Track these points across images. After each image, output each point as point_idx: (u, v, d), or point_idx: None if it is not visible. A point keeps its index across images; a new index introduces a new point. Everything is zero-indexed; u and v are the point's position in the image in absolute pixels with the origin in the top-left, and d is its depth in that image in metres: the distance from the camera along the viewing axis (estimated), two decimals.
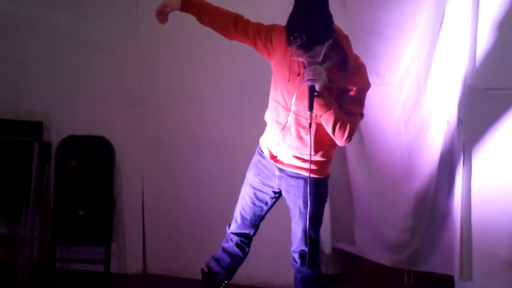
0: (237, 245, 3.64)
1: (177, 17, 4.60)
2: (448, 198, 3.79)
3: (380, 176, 4.14)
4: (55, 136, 4.90)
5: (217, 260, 3.71)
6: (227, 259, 3.69)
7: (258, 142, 3.59)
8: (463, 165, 3.66)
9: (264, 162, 3.49)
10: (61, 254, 4.93)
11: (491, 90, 3.57)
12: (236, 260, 3.69)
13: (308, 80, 3.02)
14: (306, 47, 2.93)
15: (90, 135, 4.87)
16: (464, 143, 3.65)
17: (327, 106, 3.10)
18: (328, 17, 3.00)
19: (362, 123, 3.99)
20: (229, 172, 4.56)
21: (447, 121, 3.71)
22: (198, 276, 4.63)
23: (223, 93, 4.54)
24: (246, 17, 3.39)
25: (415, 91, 3.83)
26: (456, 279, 3.79)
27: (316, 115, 3.14)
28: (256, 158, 3.56)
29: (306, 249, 3.42)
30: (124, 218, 4.91)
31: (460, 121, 3.64)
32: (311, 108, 3.08)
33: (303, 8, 2.96)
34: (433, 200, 3.87)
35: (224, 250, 3.70)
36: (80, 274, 4.88)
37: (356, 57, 3.20)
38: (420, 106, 3.84)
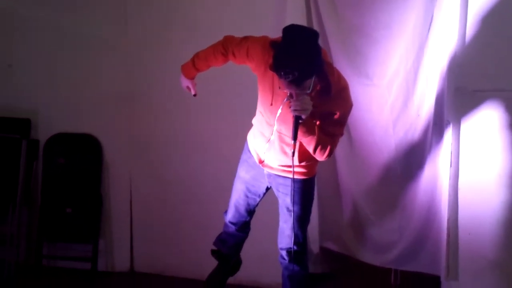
0: (236, 230, 3.71)
1: (166, 15, 4.63)
2: (435, 198, 3.81)
3: (368, 176, 4.16)
4: (43, 134, 4.89)
5: (222, 241, 3.77)
6: (231, 240, 3.75)
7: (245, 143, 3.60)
8: (450, 166, 3.69)
9: (253, 159, 3.50)
10: (48, 251, 4.92)
11: (479, 92, 3.59)
12: (240, 239, 3.77)
13: (295, 110, 2.98)
14: (298, 82, 2.87)
15: (78, 133, 4.86)
16: (451, 144, 3.68)
17: (309, 132, 3.10)
18: (319, 50, 2.93)
19: (351, 124, 4.03)
20: (217, 171, 4.57)
21: (435, 123, 3.73)
22: (185, 274, 4.71)
23: (213, 94, 4.54)
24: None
25: (403, 92, 3.86)
26: (442, 279, 3.82)
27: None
28: (245, 155, 3.57)
29: (294, 246, 3.44)
30: (112, 216, 4.91)
31: (447, 123, 3.66)
32: (295, 137, 3.05)
33: (294, 43, 2.88)
34: (420, 201, 3.90)
35: (227, 233, 3.76)
36: (67, 271, 4.88)
37: (338, 80, 3.13)
38: (408, 107, 3.86)
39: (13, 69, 4.91)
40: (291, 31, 2.94)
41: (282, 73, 2.83)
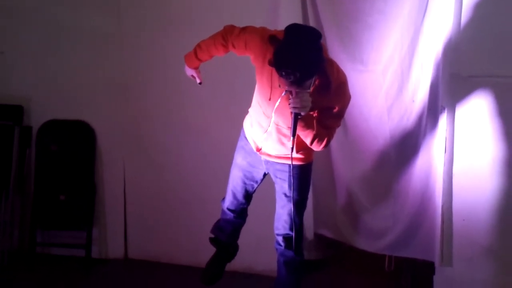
0: (234, 217, 3.70)
1: (160, 4, 4.61)
2: (430, 185, 3.81)
3: (363, 163, 4.16)
4: (35, 120, 4.86)
5: (220, 228, 3.75)
6: (229, 227, 3.74)
7: (240, 131, 3.58)
8: (445, 152, 3.69)
9: (250, 146, 3.49)
10: (42, 239, 4.91)
11: (474, 77, 3.59)
12: (238, 226, 3.76)
13: (295, 108, 2.94)
14: (299, 82, 2.83)
15: (71, 120, 4.84)
16: (446, 130, 3.67)
17: (307, 126, 3.07)
18: (320, 50, 2.89)
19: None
20: (211, 159, 4.57)
21: (430, 109, 3.73)
22: (179, 261, 4.70)
23: (207, 82, 4.51)
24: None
25: (398, 78, 3.84)
26: (436, 265, 3.83)
27: None
28: (242, 142, 3.55)
29: (291, 232, 3.44)
30: (106, 203, 4.89)
31: (442, 108, 3.66)
32: (294, 133, 3.02)
33: (296, 43, 2.82)
34: (414, 187, 3.90)
35: (224, 220, 3.75)
36: (61, 259, 4.87)
37: (337, 75, 3.09)
38: (403, 93, 3.85)
39: (6, 56, 4.87)
40: (294, 30, 2.89)
41: (283, 73, 2.79)
